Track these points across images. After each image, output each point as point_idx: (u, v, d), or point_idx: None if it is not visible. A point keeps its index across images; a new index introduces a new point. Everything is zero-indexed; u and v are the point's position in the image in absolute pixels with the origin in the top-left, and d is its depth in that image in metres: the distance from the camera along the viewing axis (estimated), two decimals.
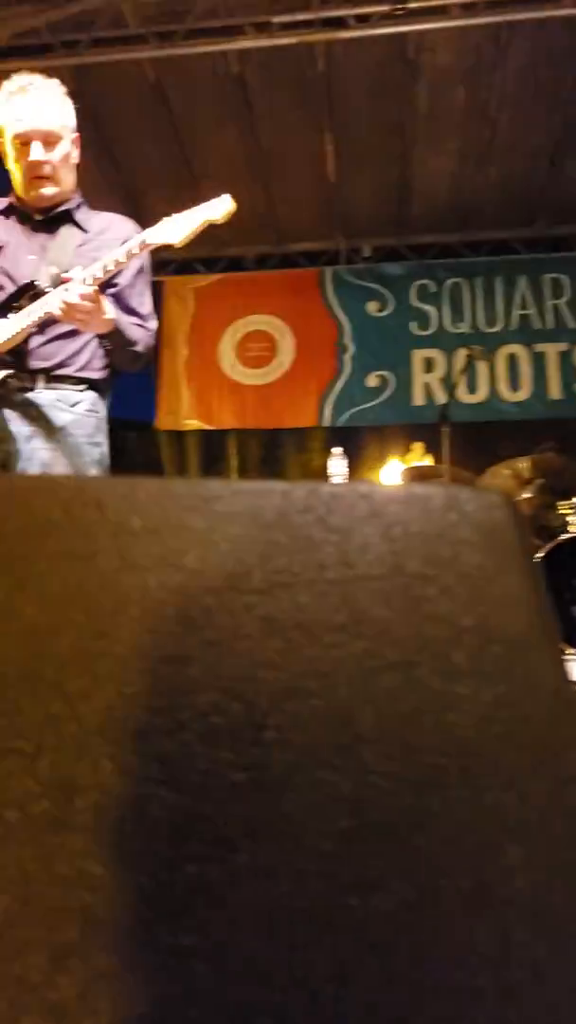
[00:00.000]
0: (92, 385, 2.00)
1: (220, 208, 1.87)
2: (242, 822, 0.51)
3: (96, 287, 1.80)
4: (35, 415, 1.93)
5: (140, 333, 2.02)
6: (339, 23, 4.81)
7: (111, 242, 2.01)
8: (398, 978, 0.47)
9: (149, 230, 1.89)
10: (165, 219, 1.87)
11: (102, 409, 2.05)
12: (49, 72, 2.03)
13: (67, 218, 2.04)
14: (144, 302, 2.08)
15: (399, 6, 4.64)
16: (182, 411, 6.61)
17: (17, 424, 1.92)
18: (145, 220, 2.03)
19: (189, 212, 1.88)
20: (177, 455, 7.08)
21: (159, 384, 6.67)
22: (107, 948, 0.46)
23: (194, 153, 5.80)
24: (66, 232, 2.02)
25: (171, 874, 0.48)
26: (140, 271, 2.06)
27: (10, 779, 0.50)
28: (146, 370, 6.78)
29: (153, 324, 2.09)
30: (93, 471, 1.97)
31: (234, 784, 0.52)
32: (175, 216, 1.87)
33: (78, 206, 2.06)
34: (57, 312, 1.79)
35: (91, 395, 2.00)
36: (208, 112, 5.59)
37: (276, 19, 4.85)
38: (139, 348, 2.02)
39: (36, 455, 1.88)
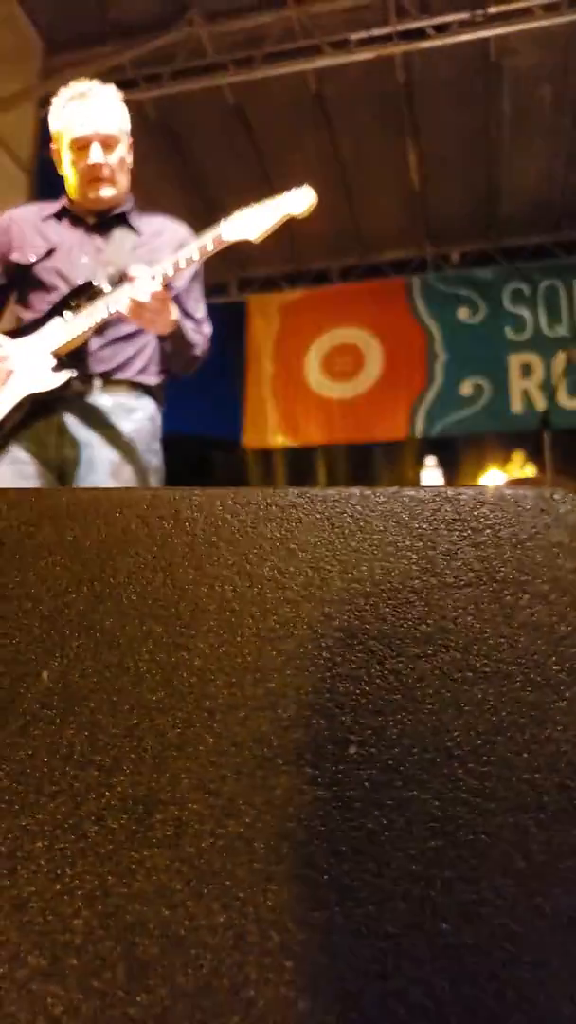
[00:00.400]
0: (148, 391, 1.98)
1: (301, 201, 1.75)
2: (325, 841, 0.49)
3: (164, 286, 1.76)
4: (96, 420, 1.90)
5: (198, 337, 2.00)
6: (418, 34, 4.79)
7: (166, 245, 2.00)
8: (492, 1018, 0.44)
9: (223, 225, 1.78)
10: (239, 212, 1.78)
11: (158, 417, 2.01)
12: (132, 105, 2.06)
13: (121, 221, 2.03)
14: (200, 307, 2.04)
15: (479, 12, 4.58)
16: (268, 428, 6.65)
17: (78, 430, 1.89)
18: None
19: (266, 204, 1.77)
20: (264, 473, 7.13)
21: (245, 402, 6.73)
22: (187, 967, 0.45)
23: (274, 171, 5.86)
24: (120, 234, 2.01)
25: (253, 895, 0.46)
26: (196, 275, 2.05)
27: (89, 792, 0.50)
28: (231, 388, 6.87)
29: (208, 329, 2.05)
30: (153, 480, 1.94)
31: (316, 801, 0.50)
32: (250, 209, 1.77)
33: (131, 209, 2.06)
34: (125, 310, 1.75)
35: (148, 402, 1.98)
36: (287, 130, 5.64)
37: (353, 36, 4.86)
38: (197, 352, 2.00)
39: (99, 463, 1.86)
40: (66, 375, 1.85)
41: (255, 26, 5.02)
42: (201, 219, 1.91)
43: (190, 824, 0.49)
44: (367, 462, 7.11)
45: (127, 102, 2.08)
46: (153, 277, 1.76)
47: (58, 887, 0.46)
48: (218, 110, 5.48)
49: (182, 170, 5.89)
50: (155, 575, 0.60)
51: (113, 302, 1.78)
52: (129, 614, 0.57)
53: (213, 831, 0.48)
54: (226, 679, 0.54)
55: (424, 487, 0.60)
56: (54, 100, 2.01)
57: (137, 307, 1.75)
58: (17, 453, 1.87)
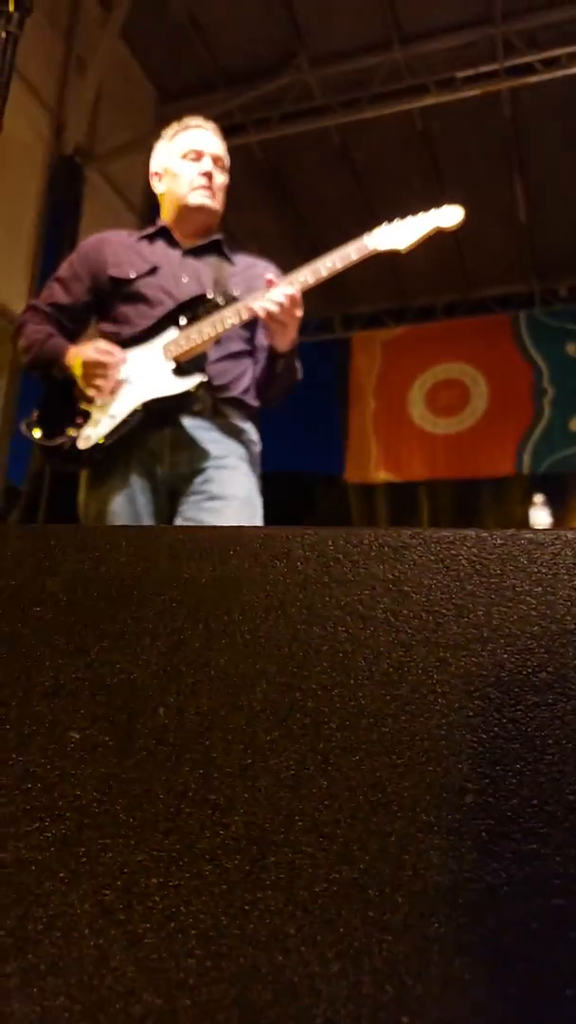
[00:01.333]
0: (250, 414, 1.98)
1: (452, 216, 1.79)
2: (440, 893, 0.47)
3: (299, 293, 1.77)
4: (210, 435, 1.90)
5: (298, 362, 2.02)
6: (526, 69, 4.77)
7: (259, 276, 2.04)
8: None
9: (371, 236, 1.80)
10: (385, 225, 1.81)
11: (259, 442, 2.04)
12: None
13: (216, 249, 2.05)
14: (296, 336, 2.06)
15: None
16: (371, 463, 6.64)
17: (192, 444, 1.87)
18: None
19: (416, 217, 1.81)
20: (366, 508, 7.10)
21: (347, 437, 6.75)
22: (300, 1016, 0.44)
23: (380, 209, 5.91)
24: (216, 261, 2.03)
25: (367, 944, 0.45)
26: None
27: (204, 830, 0.50)
28: (334, 424, 6.90)
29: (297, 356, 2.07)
30: (258, 502, 1.94)
31: (432, 850, 0.49)
32: (398, 222, 1.81)
33: (224, 239, 2.09)
34: (263, 312, 1.74)
35: (251, 425, 1.98)
36: (393, 169, 5.70)
37: (460, 74, 4.89)
38: (299, 377, 2.02)
39: (215, 480, 1.85)
40: (194, 380, 1.85)
41: (361, 68, 5.13)
42: (306, 258, 1.94)
43: (303, 868, 0.48)
44: (472, 498, 7.00)
45: (236, 146, 2.17)
46: (291, 283, 1.79)
47: (172, 925, 0.47)
48: (324, 151, 5.60)
49: (288, 210, 6.03)
50: (268, 614, 0.60)
51: (251, 303, 1.79)
52: (243, 653, 0.58)
53: (327, 876, 0.48)
54: (340, 722, 0.54)
55: (543, 530, 0.59)
56: (165, 131, 2.09)
57: (280, 308, 1.75)
58: (130, 477, 1.86)
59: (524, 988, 0.44)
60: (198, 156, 2.01)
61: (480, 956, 0.45)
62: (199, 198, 2.02)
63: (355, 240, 1.81)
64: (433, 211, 1.81)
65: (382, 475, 6.67)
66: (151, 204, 5.73)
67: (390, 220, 1.81)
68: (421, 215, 1.82)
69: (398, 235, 1.80)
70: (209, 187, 2.01)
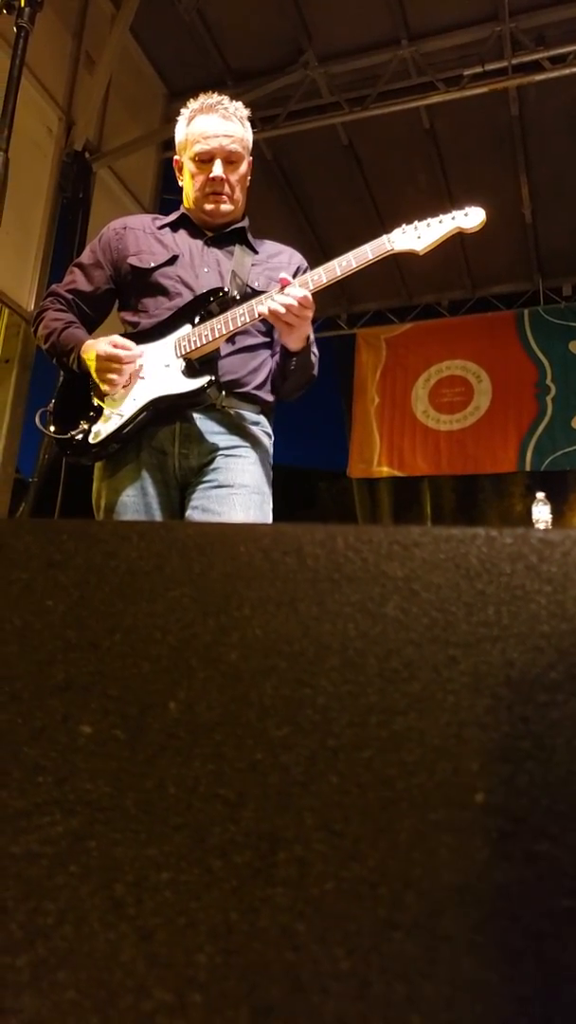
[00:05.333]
0: (264, 409, 1.98)
1: (473, 219, 1.77)
2: (450, 892, 0.47)
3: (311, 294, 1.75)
4: (220, 429, 1.89)
5: (315, 359, 1.99)
6: (533, 66, 4.76)
7: (281, 266, 2.01)
8: None
9: (385, 237, 1.79)
10: (404, 226, 1.80)
11: (271, 436, 2.04)
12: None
13: (238, 237, 2.04)
14: (311, 330, 2.03)
15: None
16: (374, 459, 6.65)
17: (202, 437, 1.87)
18: None
19: (436, 219, 1.79)
20: (370, 503, 7.11)
21: (351, 432, 6.76)
22: (310, 1014, 0.44)
23: (385, 205, 5.92)
24: (239, 251, 2.01)
25: (377, 943, 0.46)
26: None
27: (214, 826, 0.50)
28: (338, 419, 6.90)
29: (317, 353, 2.03)
30: (268, 491, 1.93)
31: (441, 848, 0.49)
32: (417, 223, 1.79)
33: (248, 227, 2.07)
34: (272, 312, 1.73)
35: (264, 419, 1.98)
36: (399, 166, 5.70)
37: (467, 71, 4.88)
38: (314, 372, 2.00)
39: (224, 471, 1.85)
40: (202, 380, 1.83)
41: (369, 66, 5.12)
42: (312, 253, 1.92)
43: (314, 864, 0.48)
44: (473, 494, 7.00)
45: None
46: (305, 284, 1.77)
47: (183, 920, 0.47)
48: (331, 148, 5.60)
49: (295, 206, 6.02)
50: (279, 610, 0.60)
51: (258, 305, 1.78)
52: (253, 648, 0.58)
53: (336, 873, 0.48)
54: (350, 719, 0.54)
55: (553, 529, 0.58)
56: (182, 111, 2.04)
57: (287, 310, 1.74)
58: (141, 469, 1.86)
59: (535, 989, 0.44)
60: (209, 159, 1.96)
61: (490, 956, 0.45)
62: (212, 207, 1.99)
63: (373, 240, 1.80)
64: (455, 212, 1.79)
65: (385, 471, 6.68)
66: (160, 200, 5.73)
67: (409, 220, 1.79)
68: (442, 216, 1.79)
69: (417, 236, 1.78)
70: (220, 193, 1.98)
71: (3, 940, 0.47)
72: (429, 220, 1.80)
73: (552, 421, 6.15)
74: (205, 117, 1.97)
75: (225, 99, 2.01)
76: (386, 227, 1.87)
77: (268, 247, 2.10)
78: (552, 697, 0.54)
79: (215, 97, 2.01)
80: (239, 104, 2.04)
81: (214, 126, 1.96)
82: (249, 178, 2.06)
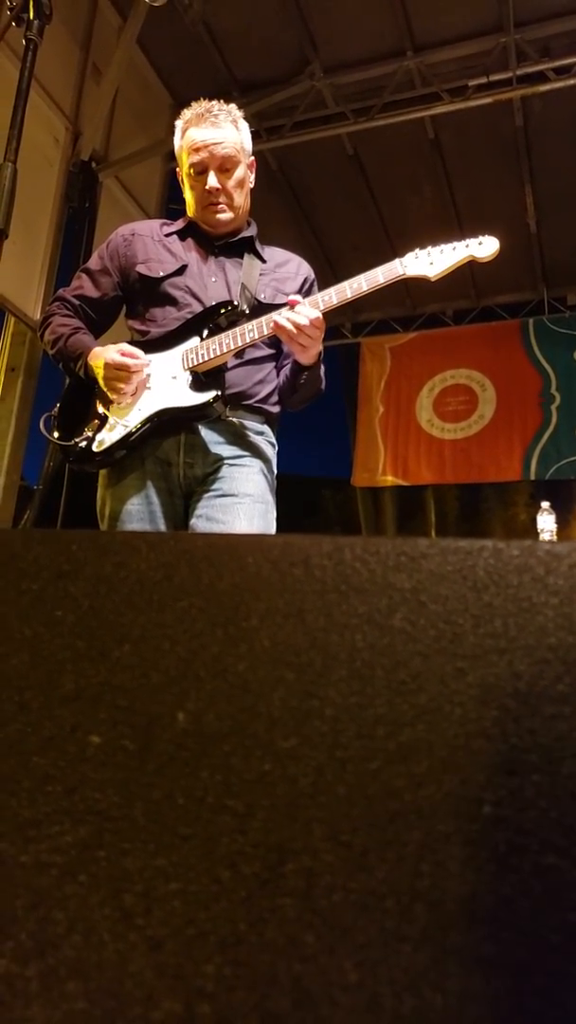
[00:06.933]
0: (269, 420, 1.98)
1: (487, 248, 1.78)
2: (458, 904, 0.48)
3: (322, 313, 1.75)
4: (225, 441, 1.89)
5: (322, 372, 2.00)
6: (538, 77, 4.78)
7: (290, 276, 2.02)
8: None
9: (397, 261, 1.78)
10: (417, 251, 1.79)
11: (276, 447, 2.02)
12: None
13: (247, 246, 2.03)
14: (321, 347, 2.02)
15: None
16: (378, 468, 6.65)
17: (206, 448, 1.87)
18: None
19: (450, 246, 1.79)
20: (373, 512, 7.11)
21: (355, 441, 6.77)
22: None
23: (390, 216, 5.94)
24: (247, 260, 2.00)
25: (385, 955, 0.46)
26: None
27: (222, 837, 0.50)
28: (342, 429, 6.91)
29: (323, 366, 2.04)
30: (272, 501, 1.93)
31: (450, 860, 0.49)
32: (431, 248, 1.79)
33: (255, 235, 2.06)
34: (282, 330, 1.74)
35: (269, 430, 1.98)
36: (403, 176, 5.72)
37: (472, 82, 4.90)
38: (322, 386, 2.00)
39: (227, 481, 1.85)
40: (208, 395, 1.84)
41: (374, 76, 5.14)
42: (319, 263, 1.93)
43: (322, 875, 0.48)
44: (477, 503, 7.01)
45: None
46: (316, 304, 1.77)
47: (192, 930, 0.47)
48: (336, 158, 5.62)
49: (300, 216, 6.04)
50: (286, 621, 0.60)
51: (267, 323, 1.78)
52: (262, 659, 0.58)
53: (345, 885, 0.48)
54: (357, 730, 0.54)
55: (560, 542, 0.59)
56: (177, 122, 2.03)
57: (299, 330, 1.74)
58: (146, 478, 1.86)
59: (543, 1002, 0.44)
60: (203, 170, 1.96)
61: (499, 969, 0.45)
62: (211, 217, 1.99)
63: (385, 264, 1.80)
64: (469, 240, 1.78)
65: (389, 479, 6.68)
66: (166, 210, 5.75)
67: (414, 231, 1.79)
68: (456, 243, 1.79)
69: (430, 263, 1.78)
70: (217, 203, 1.97)
71: (13, 949, 0.47)
72: (443, 247, 1.79)
73: (557, 430, 6.15)
74: (196, 129, 1.96)
75: (215, 105, 2.00)
76: (391, 237, 1.88)
77: (276, 255, 2.09)
78: (559, 709, 0.54)
79: (204, 105, 2.00)
80: (231, 107, 2.03)
81: (204, 135, 1.95)
82: (252, 178, 2.05)
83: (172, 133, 2.08)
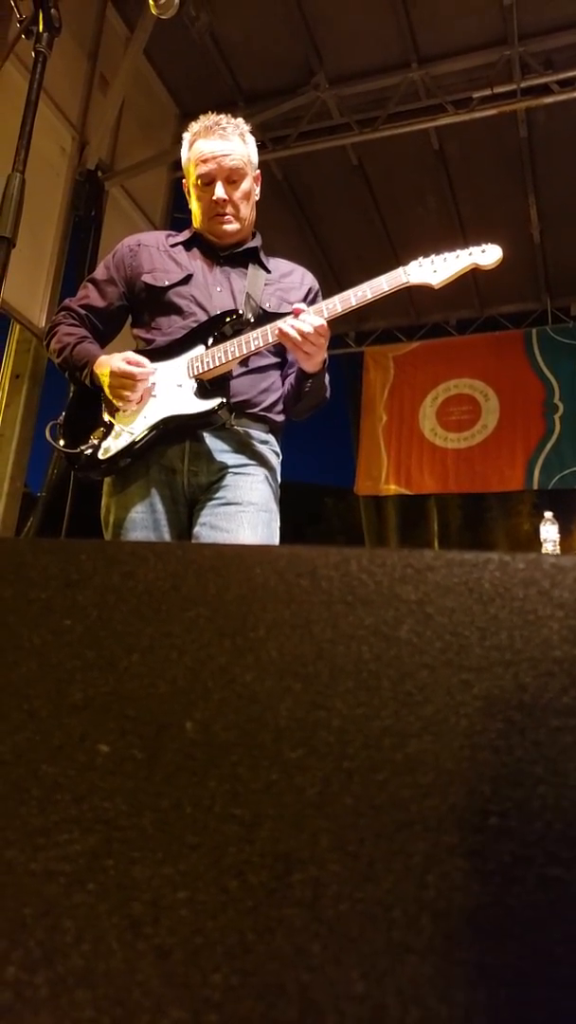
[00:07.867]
0: (274, 428, 1.99)
1: (490, 256, 1.79)
2: (464, 915, 0.48)
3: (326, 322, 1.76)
4: (229, 449, 1.90)
5: (327, 380, 2.00)
6: (542, 90, 4.81)
7: (295, 286, 2.04)
8: None
9: (401, 269, 1.79)
10: (421, 259, 1.80)
11: (280, 455, 2.03)
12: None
13: (251, 256, 2.05)
14: (326, 355, 2.02)
15: None
16: (382, 476, 6.66)
17: (211, 456, 1.88)
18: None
19: (453, 254, 1.80)
20: (376, 520, 7.12)
21: (358, 450, 6.78)
22: None
23: (394, 226, 5.97)
24: (252, 270, 2.02)
25: (392, 965, 0.46)
26: None
27: (229, 846, 0.51)
28: (345, 437, 6.92)
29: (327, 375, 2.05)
30: (275, 509, 1.94)
31: (456, 871, 0.49)
32: (434, 256, 1.80)
33: (260, 245, 2.07)
34: (287, 339, 1.75)
35: (273, 438, 1.99)
36: (408, 187, 5.75)
37: (476, 94, 4.93)
38: (327, 394, 2.01)
39: (241, 488, 1.86)
40: (213, 402, 1.85)
41: (379, 88, 5.17)
42: (323, 272, 1.94)
43: (329, 886, 0.49)
44: (481, 512, 7.01)
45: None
46: (320, 312, 1.78)
47: (199, 940, 0.47)
48: (341, 169, 5.65)
49: (305, 226, 6.07)
50: (293, 632, 0.61)
51: (272, 331, 1.79)
52: (269, 669, 0.58)
53: (351, 895, 0.48)
54: (364, 741, 0.54)
55: (566, 555, 0.59)
56: (184, 135, 2.05)
57: (304, 338, 1.75)
58: (151, 486, 1.87)
59: (549, 1015, 0.44)
60: (210, 181, 1.98)
61: (504, 981, 0.45)
62: (217, 228, 2.01)
63: (389, 272, 1.81)
64: (472, 248, 1.79)
65: (392, 488, 6.69)
66: (171, 219, 5.78)
67: (418, 242, 1.80)
68: (459, 251, 1.80)
69: (434, 270, 1.79)
70: (224, 215, 1.98)
71: (22, 957, 0.47)
72: (446, 255, 1.80)
73: (560, 439, 6.16)
74: (204, 140, 1.98)
75: (224, 118, 2.02)
76: (395, 247, 1.90)
77: (281, 266, 2.11)
78: (565, 722, 0.55)
79: (213, 118, 2.02)
80: (239, 120, 2.05)
81: (212, 147, 1.97)
82: (258, 191, 2.07)
83: (178, 143, 2.10)
